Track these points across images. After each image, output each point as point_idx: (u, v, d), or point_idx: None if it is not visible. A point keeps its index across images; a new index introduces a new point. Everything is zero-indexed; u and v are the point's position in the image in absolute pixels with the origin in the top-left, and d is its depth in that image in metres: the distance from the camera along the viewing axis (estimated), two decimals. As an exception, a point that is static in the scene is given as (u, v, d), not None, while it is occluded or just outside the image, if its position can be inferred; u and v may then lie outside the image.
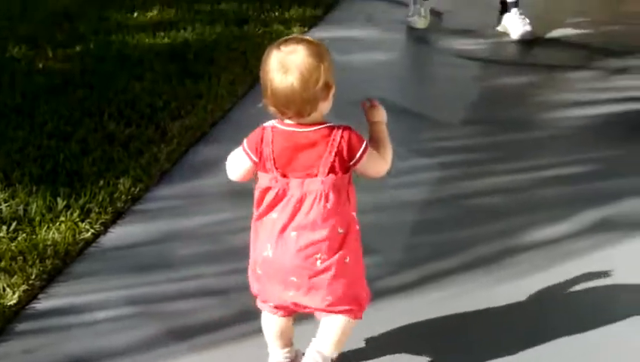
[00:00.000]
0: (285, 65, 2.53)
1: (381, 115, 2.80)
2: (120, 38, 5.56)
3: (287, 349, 2.86)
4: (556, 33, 5.77)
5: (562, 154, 4.32)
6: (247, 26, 5.78)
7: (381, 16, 6.08)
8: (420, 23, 5.85)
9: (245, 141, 2.64)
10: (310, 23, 5.90)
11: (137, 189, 3.88)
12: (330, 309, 2.69)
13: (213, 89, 4.89)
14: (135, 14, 5.95)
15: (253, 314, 2.84)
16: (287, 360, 2.87)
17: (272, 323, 2.82)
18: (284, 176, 2.61)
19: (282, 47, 2.56)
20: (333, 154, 2.58)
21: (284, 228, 2.61)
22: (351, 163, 2.59)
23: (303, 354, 2.79)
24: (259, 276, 2.70)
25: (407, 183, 4.02)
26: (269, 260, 2.64)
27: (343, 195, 2.63)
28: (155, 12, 5.98)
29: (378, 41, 5.71)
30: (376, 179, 2.67)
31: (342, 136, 2.59)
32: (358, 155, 2.59)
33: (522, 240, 3.52)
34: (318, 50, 2.59)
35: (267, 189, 2.64)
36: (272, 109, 2.58)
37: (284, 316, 2.79)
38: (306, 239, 2.60)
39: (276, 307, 2.76)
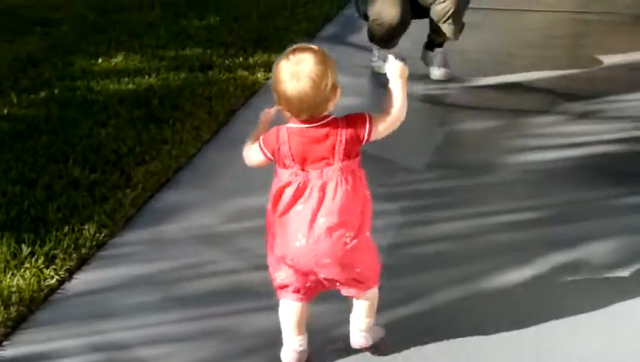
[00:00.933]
0: (296, 74, 2.87)
1: (403, 69, 3.11)
2: (85, 84, 5.55)
3: (301, 337, 3.12)
4: (519, 77, 5.82)
5: (524, 199, 4.35)
6: (212, 72, 5.79)
7: (345, 61, 6.10)
8: (384, 67, 5.87)
9: (262, 139, 2.99)
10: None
11: (102, 235, 3.87)
12: (357, 279, 3.03)
13: (178, 134, 4.89)
14: (100, 60, 5.95)
15: (220, 360, 2.83)
16: (302, 348, 3.12)
17: (291, 310, 3.08)
18: (303, 169, 2.93)
19: (291, 58, 2.89)
20: (343, 142, 2.93)
21: (313, 216, 2.92)
22: (362, 143, 2.97)
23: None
24: (289, 266, 2.99)
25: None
26: (302, 248, 2.94)
27: (357, 176, 2.99)
28: (119, 58, 5.98)
29: (342, 86, 5.71)
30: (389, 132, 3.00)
31: (348, 124, 2.94)
32: (365, 135, 2.95)
33: (482, 286, 3.54)
34: (323, 57, 2.92)
35: (287, 184, 2.95)
36: (286, 113, 2.92)
37: (304, 301, 3.08)
38: (334, 222, 2.92)
39: (303, 292, 3.05)
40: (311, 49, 2.94)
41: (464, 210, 4.20)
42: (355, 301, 3.14)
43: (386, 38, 5.84)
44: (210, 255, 3.82)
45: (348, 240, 2.95)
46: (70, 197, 4.14)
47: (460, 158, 4.74)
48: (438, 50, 5.81)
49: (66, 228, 3.85)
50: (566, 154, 4.81)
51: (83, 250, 3.74)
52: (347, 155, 2.94)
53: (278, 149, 2.95)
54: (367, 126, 2.95)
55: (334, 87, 2.91)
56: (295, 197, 2.95)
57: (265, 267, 3.06)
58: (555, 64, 6.06)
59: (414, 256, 3.78)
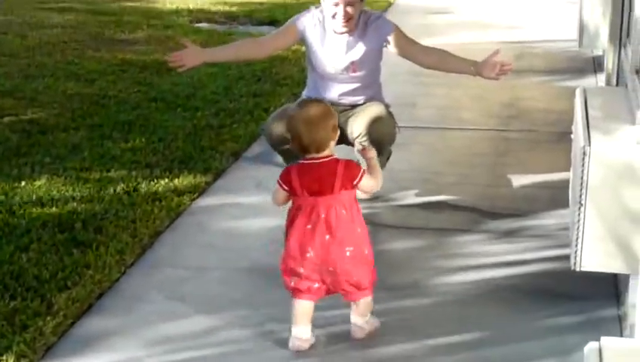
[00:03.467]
0: (308, 120, 3.91)
1: (373, 153, 4.15)
2: (6, 208, 5.49)
3: (309, 327, 4.03)
4: (444, 196, 5.87)
5: (450, 321, 4.36)
6: (137, 194, 5.76)
7: (271, 181, 6.09)
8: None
9: (279, 178, 4.00)
10: (200, 190, 5.90)
11: (21, 365, 3.79)
12: (356, 286, 3.97)
13: (101, 259, 4.84)
14: (22, 183, 5.88)
15: None
16: (309, 335, 4.02)
17: (304, 306, 4.00)
18: (311, 196, 3.89)
19: (303, 107, 4.01)
20: (341, 177, 3.90)
21: (320, 234, 3.88)
22: (354, 182, 3.93)
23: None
24: (301, 273, 3.93)
25: (294, 356, 4.02)
26: (312, 259, 3.90)
27: (355, 206, 3.98)
28: (43, 181, 5.92)
29: (267, 206, 5.72)
30: (370, 194, 4.26)
31: (345, 165, 3.94)
32: (358, 177, 3.95)
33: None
34: (325, 106, 4.04)
35: (299, 209, 3.92)
36: (298, 151, 3.97)
37: (314, 300, 4.00)
38: (337, 238, 3.88)
39: (313, 293, 3.97)
40: (316, 100, 4.28)
41: (392, 336, 4.20)
42: (352, 304, 4.06)
43: (279, 153, 5.83)
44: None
45: (348, 253, 3.90)
46: (-12, 327, 4.06)
47: (386, 279, 4.73)
48: None
49: (-17, 360, 3.76)
50: (491, 274, 4.84)
51: (1, 382, 3.64)
52: (345, 187, 3.91)
53: (291, 182, 3.93)
54: (360, 173, 3.95)
55: (334, 128, 3.96)
56: (305, 219, 3.90)
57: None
58: (479, 182, 6.14)
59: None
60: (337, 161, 3.95)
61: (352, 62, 5.61)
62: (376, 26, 5.61)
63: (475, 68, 5.42)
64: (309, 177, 3.92)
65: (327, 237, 3.88)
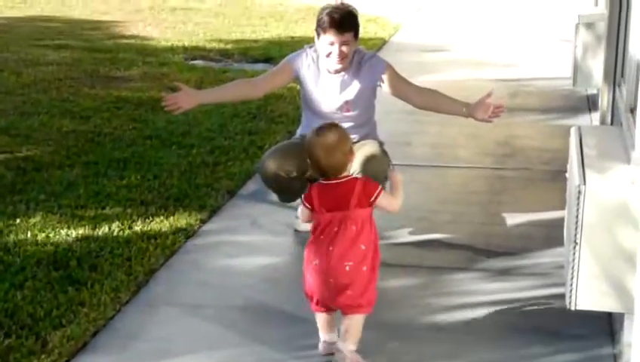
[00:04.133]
0: (325, 146, 4.20)
1: (399, 176, 4.45)
2: (1, 246, 5.49)
3: (335, 333, 4.31)
4: (439, 234, 5.88)
5: (443, 360, 4.35)
6: (132, 232, 5.76)
7: (265, 218, 6.13)
8: (304, 226, 5.88)
9: (303, 197, 4.32)
10: (195, 228, 5.90)
11: (15, 405, 3.77)
12: (351, 302, 4.17)
13: (96, 296, 4.83)
14: (17, 221, 5.88)
15: None
16: (333, 340, 4.29)
17: (322, 318, 4.32)
18: (328, 212, 4.20)
19: (319, 134, 4.25)
20: (358, 195, 4.18)
21: (327, 246, 4.17)
22: (371, 200, 4.21)
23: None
24: (309, 282, 4.24)
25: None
26: (316, 267, 4.20)
27: (367, 223, 4.22)
28: (38, 218, 5.92)
29: (262, 244, 5.75)
30: (393, 213, 4.41)
31: (362, 184, 4.24)
32: (375, 195, 4.23)
33: None
34: (342, 131, 4.33)
35: (317, 224, 4.25)
36: (318, 175, 4.29)
37: (324, 312, 4.29)
38: (340, 252, 4.15)
39: (320, 306, 4.26)
40: (332, 125, 4.38)
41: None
42: (344, 319, 4.24)
43: (274, 191, 5.88)
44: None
45: (347, 268, 4.14)
46: (-18, 366, 4.05)
47: (380, 317, 4.73)
48: None
49: (-22, 399, 3.75)
50: (486, 312, 4.84)
51: (-5, 422, 3.63)
52: (360, 205, 4.18)
53: (312, 201, 4.25)
54: (378, 191, 4.23)
55: (351, 151, 4.27)
56: (321, 232, 4.22)
57: None
58: (473, 220, 6.14)
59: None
60: (356, 179, 4.28)
61: (346, 102, 5.64)
62: (370, 65, 5.64)
63: (468, 110, 5.45)
64: (328, 196, 4.24)
65: (330, 248, 4.16)
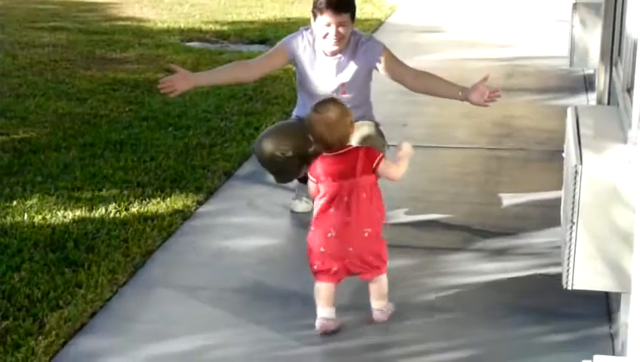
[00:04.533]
0: (327, 122, 4.37)
1: (405, 147, 4.54)
2: (-2, 228, 5.48)
3: (330, 309, 4.36)
4: (435, 215, 5.88)
5: (442, 339, 4.37)
6: (128, 213, 5.75)
7: (262, 200, 6.13)
8: (301, 207, 5.90)
9: (309, 171, 4.48)
10: (192, 209, 5.90)
11: (13, 386, 3.77)
12: (373, 267, 4.38)
13: (93, 278, 4.83)
14: (14, 203, 5.88)
15: None
16: (331, 316, 4.35)
17: (325, 289, 4.36)
18: (335, 182, 4.34)
19: (320, 111, 4.41)
20: (362, 163, 4.35)
21: (342, 216, 4.31)
22: (373, 165, 4.37)
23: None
24: (323, 254, 4.33)
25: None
26: (333, 239, 4.31)
27: (375, 189, 4.42)
28: (34, 200, 5.92)
29: (259, 226, 5.75)
30: (395, 180, 4.54)
31: (365, 151, 4.43)
32: (376, 162, 4.39)
33: None
34: (341, 105, 4.48)
35: (324, 195, 4.37)
36: (322, 149, 4.42)
37: (334, 282, 4.36)
38: (357, 220, 4.31)
39: (333, 274, 4.33)
40: (332, 99, 4.56)
41: (383, 352, 4.20)
42: (370, 285, 4.44)
43: (270, 171, 5.89)
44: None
45: (366, 234, 4.33)
46: (-20, 347, 4.05)
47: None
48: None
49: (-25, 380, 3.75)
50: (482, 292, 4.85)
51: (-8, 403, 3.63)
52: (365, 172, 4.35)
53: (317, 172, 4.40)
54: (379, 157, 4.41)
55: (352, 123, 4.45)
56: (329, 203, 4.35)
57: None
58: (470, 201, 6.15)
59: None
60: (358, 148, 4.48)
61: (342, 84, 5.64)
62: (367, 47, 5.63)
63: (464, 93, 5.45)
64: (333, 166, 4.38)
65: (348, 218, 4.31)
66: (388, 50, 5.68)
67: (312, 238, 4.38)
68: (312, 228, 4.40)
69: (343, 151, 4.38)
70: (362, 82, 5.72)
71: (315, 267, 4.35)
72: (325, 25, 5.48)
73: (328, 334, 4.33)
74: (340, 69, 5.63)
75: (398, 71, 5.69)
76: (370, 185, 4.38)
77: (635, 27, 4.56)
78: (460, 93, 5.47)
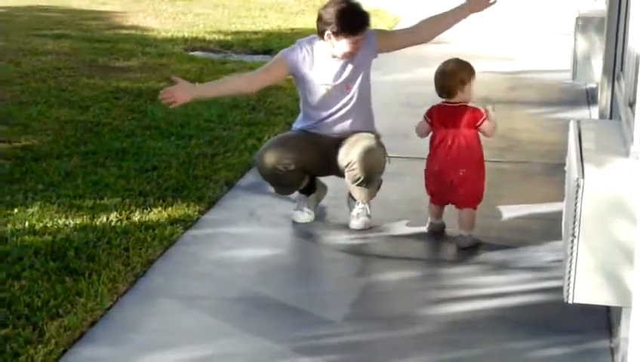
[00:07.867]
0: (442, 71, 5.53)
1: (490, 110, 5.54)
2: (-1, 235, 5.48)
3: (439, 219, 5.76)
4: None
5: (443, 352, 4.36)
6: (130, 222, 5.75)
7: (264, 211, 6.12)
8: (302, 217, 5.90)
9: (425, 113, 5.59)
10: (193, 219, 5.90)
11: (12, 395, 3.77)
12: (463, 200, 5.52)
13: (94, 287, 4.82)
14: (15, 211, 5.87)
15: None
16: (438, 222, 5.75)
17: (433, 206, 5.69)
18: (445, 128, 5.48)
19: (445, 62, 5.53)
20: (467, 118, 5.46)
21: (445, 155, 5.49)
22: (477, 124, 5.48)
23: None
24: (430, 181, 5.61)
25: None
26: (437, 172, 5.54)
27: (475, 140, 5.51)
28: (35, 208, 5.91)
29: (260, 236, 5.74)
30: (490, 138, 5.64)
31: (472, 110, 5.49)
32: (480, 120, 5.48)
33: None
34: (460, 63, 5.55)
35: (435, 137, 5.55)
36: (437, 93, 5.52)
37: (437, 204, 5.68)
38: (455, 160, 5.46)
39: (436, 200, 5.64)
40: (456, 59, 5.60)
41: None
42: (459, 213, 5.55)
43: (271, 183, 5.91)
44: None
45: (461, 173, 5.45)
46: (-21, 356, 4.04)
47: (378, 310, 4.74)
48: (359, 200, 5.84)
49: (-26, 388, 3.74)
50: (483, 305, 4.84)
51: (-9, 412, 3.62)
52: (468, 126, 5.46)
53: (432, 116, 5.55)
54: (483, 118, 5.46)
55: (462, 81, 5.47)
56: (438, 145, 5.52)
57: None
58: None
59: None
60: (467, 106, 5.51)
61: (346, 79, 5.69)
62: (364, 42, 5.71)
63: (468, 7, 5.84)
64: (444, 114, 5.51)
65: (448, 157, 5.47)
66: (379, 30, 5.89)
67: (425, 169, 5.61)
68: (427, 159, 5.60)
69: (456, 104, 5.46)
70: (364, 76, 5.79)
71: (428, 191, 5.62)
72: (352, 43, 5.57)
73: (435, 233, 5.67)
74: (344, 66, 5.68)
75: (397, 39, 6.08)
76: (471, 135, 5.47)
77: (637, 42, 4.56)
78: (465, 10, 5.86)
